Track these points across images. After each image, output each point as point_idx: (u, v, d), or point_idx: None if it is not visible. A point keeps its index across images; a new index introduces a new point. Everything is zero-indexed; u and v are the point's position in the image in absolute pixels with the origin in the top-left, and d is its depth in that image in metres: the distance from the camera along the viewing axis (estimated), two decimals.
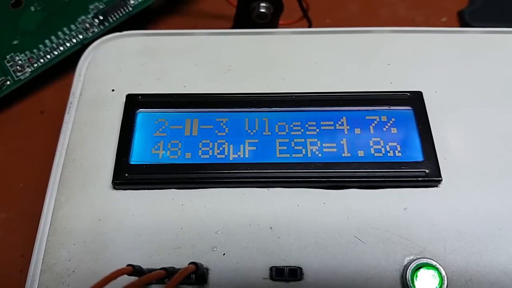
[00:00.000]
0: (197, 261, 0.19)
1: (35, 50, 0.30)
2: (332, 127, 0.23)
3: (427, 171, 0.21)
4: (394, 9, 0.35)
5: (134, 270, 0.17)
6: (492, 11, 0.34)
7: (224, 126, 0.23)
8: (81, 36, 0.31)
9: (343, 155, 0.22)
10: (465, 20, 0.34)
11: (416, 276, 0.19)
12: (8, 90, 0.30)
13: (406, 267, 0.19)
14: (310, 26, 0.32)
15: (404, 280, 0.19)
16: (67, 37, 0.31)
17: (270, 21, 0.30)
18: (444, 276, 0.19)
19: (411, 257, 0.20)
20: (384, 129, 0.22)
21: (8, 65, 0.30)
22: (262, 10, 0.29)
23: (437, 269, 0.19)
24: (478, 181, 0.22)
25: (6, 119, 0.30)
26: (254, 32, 0.27)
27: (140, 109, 0.23)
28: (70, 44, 0.30)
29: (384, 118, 0.23)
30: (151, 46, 0.26)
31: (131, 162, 0.22)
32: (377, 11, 0.35)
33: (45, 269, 0.20)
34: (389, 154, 0.22)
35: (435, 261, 0.19)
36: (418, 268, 0.19)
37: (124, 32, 0.27)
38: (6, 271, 0.25)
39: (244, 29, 0.28)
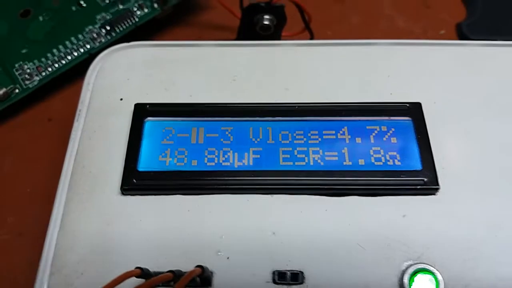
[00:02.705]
0: (202, 264, 0.19)
1: (43, 59, 0.31)
2: (334, 136, 0.23)
3: (425, 179, 0.22)
4: (393, 21, 0.36)
5: (142, 272, 0.18)
6: (490, 24, 0.35)
7: (229, 135, 0.23)
8: (88, 46, 0.31)
9: (344, 163, 0.22)
10: (463, 32, 0.34)
11: (413, 281, 0.20)
12: (17, 98, 0.30)
13: (404, 272, 0.20)
14: (312, 38, 0.33)
15: (402, 284, 0.20)
16: (74, 47, 0.31)
17: (274, 33, 0.31)
18: (440, 281, 0.20)
19: (409, 262, 0.20)
20: (384, 138, 0.23)
21: (17, 73, 0.30)
22: (266, 22, 0.30)
23: (434, 274, 0.20)
24: (474, 190, 0.22)
25: (14, 126, 0.31)
26: (258, 44, 0.28)
27: (148, 118, 0.24)
28: (78, 54, 0.31)
29: (384, 128, 0.23)
30: (158, 57, 0.27)
31: (139, 169, 0.22)
32: (377, 23, 0.36)
33: (54, 272, 0.21)
34: (388, 163, 0.22)
35: (432, 266, 0.20)
36: (415, 273, 0.20)
37: (132, 43, 0.28)
38: (13, 274, 0.25)
39: (248, 40, 0.29)
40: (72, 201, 0.23)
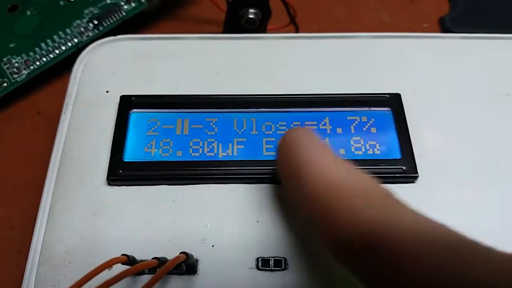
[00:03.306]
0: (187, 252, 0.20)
1: (31, 53, 0.31)
2: (316, 127, 0.23)
3: (404, 168, 0.22)
4: (378, 15, 0.36)
5: (128, 259, 0.18)
6: (472, 18, 0.35)
7: (213, 126, 0.24)
8: (76, 40, 0.31)
9: None
10: (446, 26, 0.35)
11: None
12: (5, 92, 0.30)
13: None
14: (297, 31, 0.33)
15: None
16: (62, 41, 0.31)
17: (259, 27, 0.31)
18: None
19: None
20: (364, 128, 0.23)
21: (5, 67, 0.30)
22: (251, 16, 0.30)
23: None
24: (452, 177, 0.23)
25: (3, 120, 0.31)
26: (243, 37, 0.28)
27: (134, 110, 0.24)
28: (66, 48, 0.31)
29: (364, 119, 0.24)
30: (144, 50, 0.27)
31: (125, 160, 0.23)
32: (361, 17, 0.36)
33: (42, 262, 0.21)
34: (368, 152, 0.23)
35: None
36: None
37: (118, 36, 0.28)
38: (2, 266, 0.25)
39: (234, 34, 0.29)
40: (59, 192, 0.23)
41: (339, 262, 0.16)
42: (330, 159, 0.18)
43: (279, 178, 0.21)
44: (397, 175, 0.22)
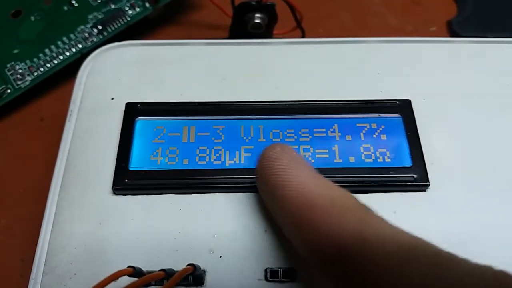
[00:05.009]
0: (194, 263, 0.20)
1: (35, 59, 0.31)
2: (325, 134, 0.23)
3: (415, 176, 0.22)
4: (384, 19, 0.36)
5: (134, 271, 0.18)
6: (480, 21, 0.35)
7: (220, 133, 0.23)
8: (80, 46, 0.31)
9: (334, 160, 0.22)
10: (453, 29, 0.35)
11: None
12: (9, 98, 0.30)
13: None
14: (303, 36, 0.33)
15: None
16: (66, 47, 0.31)
17: (265, 31, 0.31)
18: None
19: None
20: (374, 135, 0.23)
21: (8, 73, 0.30)
22: (257, 21, 0.30)
23: None
24: (464, 186, 0.22)
25: (6, 126, 0.31)
26: (249, 42, 0.28)
27: (139, 117, 0.24)
28: (70, 53, 0.31)
29: (374, 125, 0.23)
30: (149, 56, 0.27)
31: (131, 168, 0.22)
32: (368, 21, 0.36)
33: (47, 272, 0.21)
34: (379, 160, 0.22)
35: None
36: None
37: (123, 42, 0.28)
38: (6, 275, 0.25)
39: (240, 39, 0.28)
40: (64, 201, 0.23)
41: (315, 271, 0.17)
42: (308, 175, 0.18)
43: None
44: (408, 183, 0.22)
